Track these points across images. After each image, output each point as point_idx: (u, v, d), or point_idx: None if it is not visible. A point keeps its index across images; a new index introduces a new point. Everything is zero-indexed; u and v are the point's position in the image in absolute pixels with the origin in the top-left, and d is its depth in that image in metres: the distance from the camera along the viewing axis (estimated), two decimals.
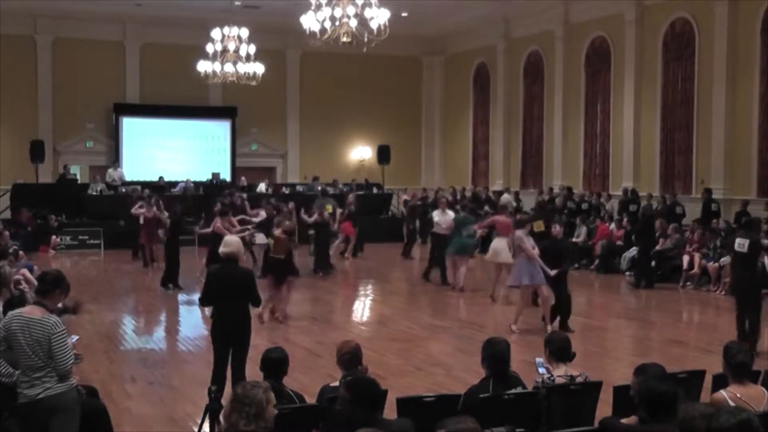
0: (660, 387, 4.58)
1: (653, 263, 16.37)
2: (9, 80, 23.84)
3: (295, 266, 13.09)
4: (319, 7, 13.88)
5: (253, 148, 27.88)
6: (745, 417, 3.52)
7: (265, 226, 15.38)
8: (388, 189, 26.69)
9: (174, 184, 24.39)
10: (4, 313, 6.68)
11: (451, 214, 15.98)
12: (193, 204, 21.92)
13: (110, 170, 24.38)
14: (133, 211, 18.22)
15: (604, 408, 5.81)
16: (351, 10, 13.55)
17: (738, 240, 10.45)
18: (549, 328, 11.07)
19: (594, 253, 18.57)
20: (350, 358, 5.81)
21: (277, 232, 12.30)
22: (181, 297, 14.69)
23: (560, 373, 5.85)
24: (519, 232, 11.84)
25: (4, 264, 10.06)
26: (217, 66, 20.15)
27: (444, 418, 3.90)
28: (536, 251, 11.48)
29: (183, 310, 13.98)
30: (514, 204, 21.14)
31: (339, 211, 19.36)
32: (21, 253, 14.76)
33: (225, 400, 4.96)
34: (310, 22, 13.98)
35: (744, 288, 10.43)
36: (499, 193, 23.85)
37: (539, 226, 12.93)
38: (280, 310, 12.18)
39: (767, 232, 14.14)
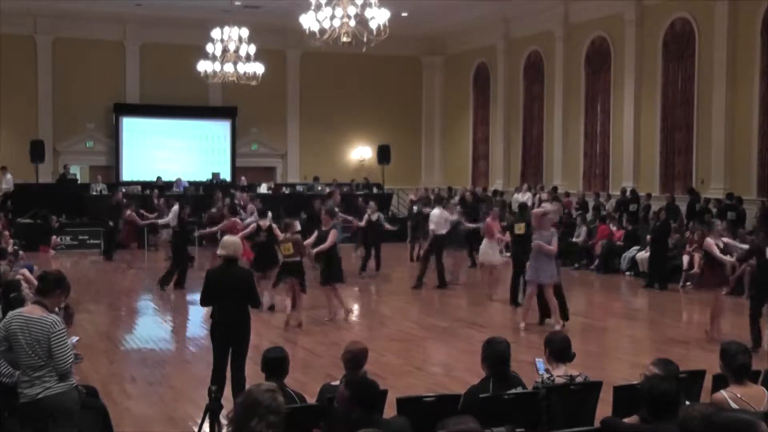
0: (661, 385, 4.55)
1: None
2: (9, 80, 23.83)
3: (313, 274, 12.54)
4: (319, 7, 13.88)
5: (253, 148, 27.88)
6: (749, 418, 3.48)
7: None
8: (388, 189, 26.69)
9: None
10: (4, 313, 6.69)
11: None
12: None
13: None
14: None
15: (604, 408, 5.81)
16: (351, 10, 13.56)
17: None
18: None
19: (594, 253, 18.56)
20: (350, 358, 5.81)
21: (288, 235, 12.06)
22: (179, 297, 14.69)
23: (560, 373, 5.85)
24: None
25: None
26: (217, 66, 20.14)
27: (444, 418, 3.89)
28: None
29: (183, 310, 13.97)
30: (530, 203, 20.90)
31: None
32: (21, 253, 14.78)
33: (225, 401, 4.96)
34: (310, 22, 13.99)
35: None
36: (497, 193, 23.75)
37: (520, 228, 13.02)
38: (292, 315, 11.87)
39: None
